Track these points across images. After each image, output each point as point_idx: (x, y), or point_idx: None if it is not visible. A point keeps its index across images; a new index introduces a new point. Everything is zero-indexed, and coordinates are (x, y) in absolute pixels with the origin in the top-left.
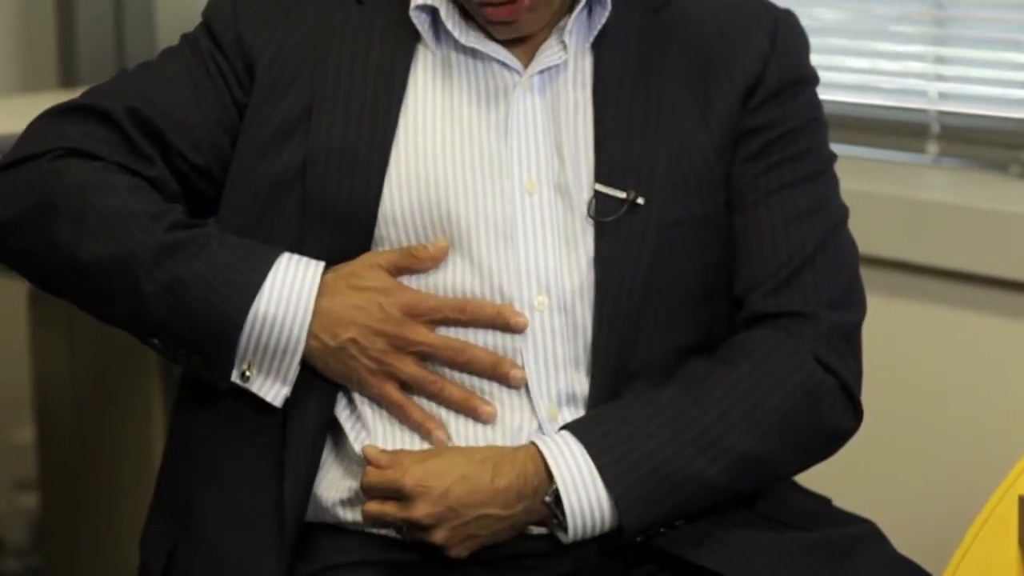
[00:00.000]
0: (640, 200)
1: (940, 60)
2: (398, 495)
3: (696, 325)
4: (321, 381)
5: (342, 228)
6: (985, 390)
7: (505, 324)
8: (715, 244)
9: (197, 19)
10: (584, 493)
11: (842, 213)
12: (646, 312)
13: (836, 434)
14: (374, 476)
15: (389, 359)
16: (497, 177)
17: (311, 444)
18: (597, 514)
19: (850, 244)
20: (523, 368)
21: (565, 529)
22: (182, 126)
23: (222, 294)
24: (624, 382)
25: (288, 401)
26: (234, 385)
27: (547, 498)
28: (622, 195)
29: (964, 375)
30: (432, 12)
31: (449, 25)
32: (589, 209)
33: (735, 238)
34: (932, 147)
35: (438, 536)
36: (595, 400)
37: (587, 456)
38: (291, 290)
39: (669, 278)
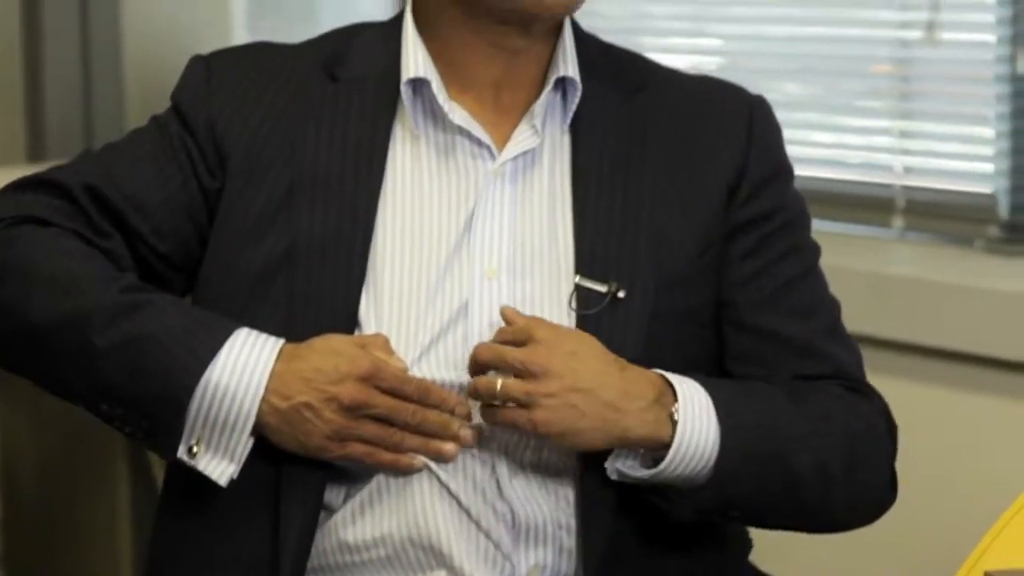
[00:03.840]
0: (621, 293)
1: (905, 135)
2: (525, 341)
3: None
4: (307, 469)
5: (326, 314)
6: (950, 463)
7: (454, 434)
8: (700, 339)
9: (167, 96)
10: (698, 421)
11: (838, 310)
12: None
13: (885, 500)
14: (506, 330)
15: (347, 423)
16: (457, 262)
17: (306, 537)
18: (702, 444)
19: (851, 339)
20: (474, 427)
21: (652, 464)
22: (143, 209)
23: (176, 356)
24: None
25: (279, 493)
26: (213, 482)
27: (673, 410)
28: (603, 288)
29: (929, 449)
30: (415, 85)
31: (440, 99)
32: (570, 301)
33: (743, 336)
34: (898, 221)
35: (545, 388)
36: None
37: (706, 395)
38: (247, 362)
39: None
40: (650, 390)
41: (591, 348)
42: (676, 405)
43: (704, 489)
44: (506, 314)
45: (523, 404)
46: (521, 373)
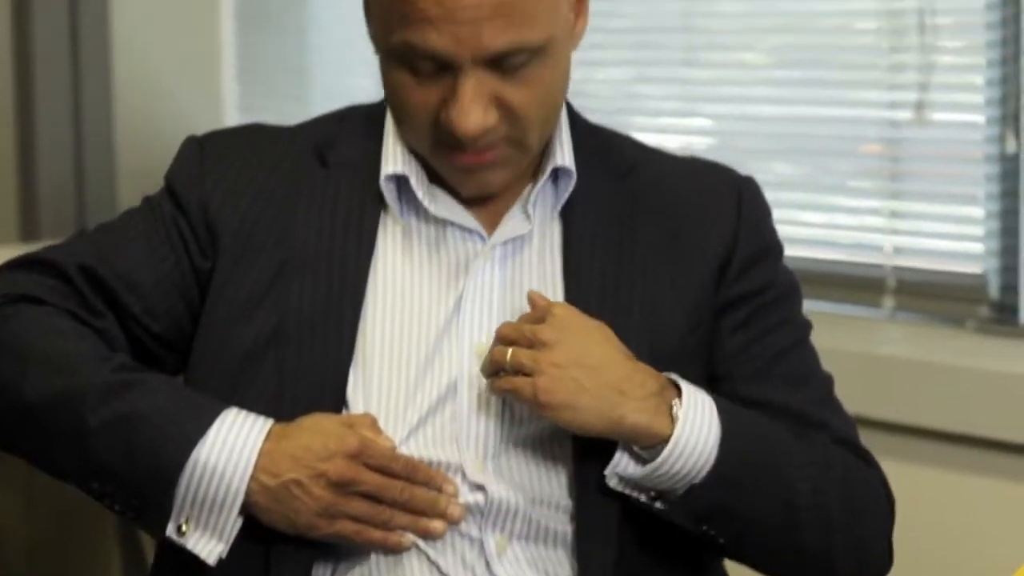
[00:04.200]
0: None
1: (895, 215)
2: (542, 319)
3: None
4: (296, 547)
5: (315, 392)
6: (942, 543)
7: (442, 511)
8: None
9: (159, 177)
10: (699, 420)
11: (831, 382)
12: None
13: (882, 568)
14: (530, 314)
15: (336, 500)
16: (446, 341)
17: None
18: (701, 443)
19: (845, 410)
20: (462, 505)
21: (646, 461)
22: (136, 289)
23: (166, 436)
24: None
25: (268, 571)
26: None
27: (674, 404)
28: None
29: (921, 529)
30: (398, 180)
31: (419, 194)
32: None
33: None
34: (888, 301)
35: (551, 357)
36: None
37: (710, 399)
38: (235, 441)
39: None
40: (654, 383)
41: (604, 334)
42: (678, 401)
43: (701, 488)
44: (532, 297)
45: (528, 373)
46: (533, 344)
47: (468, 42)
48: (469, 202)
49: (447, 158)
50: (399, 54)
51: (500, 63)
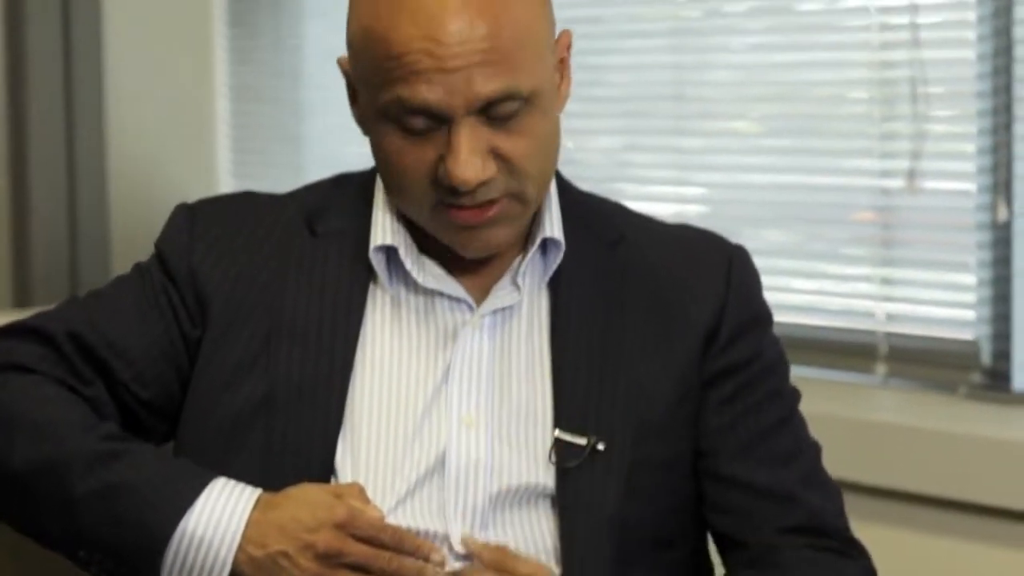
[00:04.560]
0: (600, 446)
1: (887, 282)
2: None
3: (658, 571)
4: None
5: (303, 461)
6: None
7: None
8: (678, 489)
9: (152, 243)
10: None
11: (817, 452)
12: (611, 557)
13: None
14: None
15: (323, 571)
16: (435, 411)
17: None
18: None
19: (832, 481)
20: (450, 574)
21: None
22: (125, 357)
23: (153, 505)
24: None
25: None
26: None
27: None
28: (582, 441)
29: None
30: (387, 251)
31: (408, 264)
32: (550, 456)
33: (720, 486)
34: (881, 368)
35: None
36: None
37: None
38: (223, 511)
39: (632, 523)
40: None
41: None
42: None
43: None
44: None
45: None
46: None
47: (460, 91)
48: (458, 273)
49: (450, 216)
50: (391, 114)
51: (492, 112)
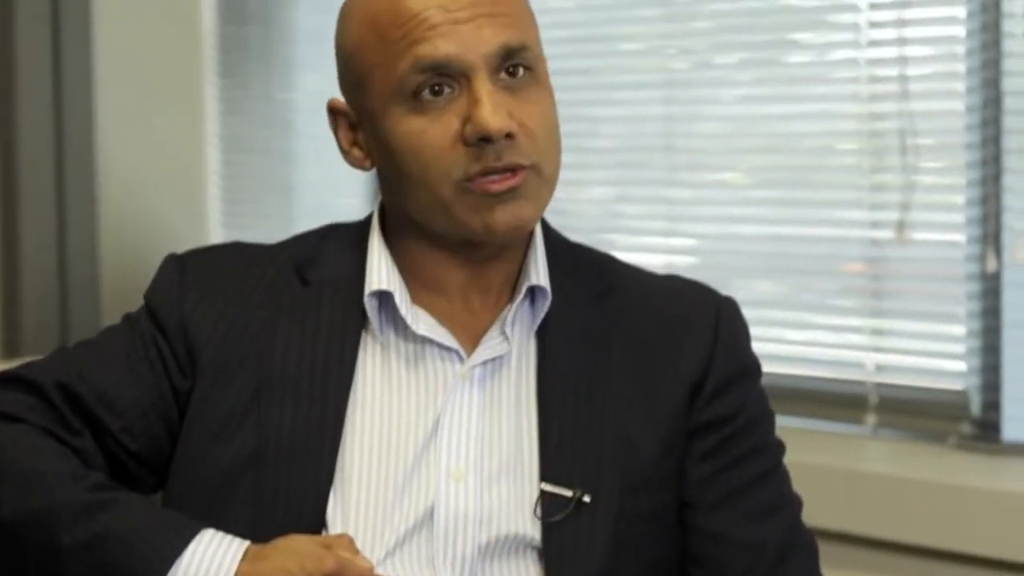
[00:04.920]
0: (586, 498)
1: (877, 332)
2: None
3: None
4: None
5: (294, 514)
6: None
7: None
8: (664, 540)
9: (142, 293)
10: None
11: (798, 507)
12: None
13: None
14: None
15: None
16: (424, 464)
17: None
18: None
19: (810, 537)
20: None
21: None
22: (114, 408)
23: (141, 556)
24: None
25: None
26: None
27: None
28: (568, 493)
29: None
30: (380, 298)
31: (403, 311)
32: (535, 510)
33: (698, 539)
34: (871, 418)
35: None
36: None
37: None
38: (211, 562)
39: (619, 575)
40: None
41: None
42: None
43: None
44: None
45: None
46: None
47: (473, 42)
48: (448, 324)
49: (476, 187)
50: (409, 86)
51: (506, 66)
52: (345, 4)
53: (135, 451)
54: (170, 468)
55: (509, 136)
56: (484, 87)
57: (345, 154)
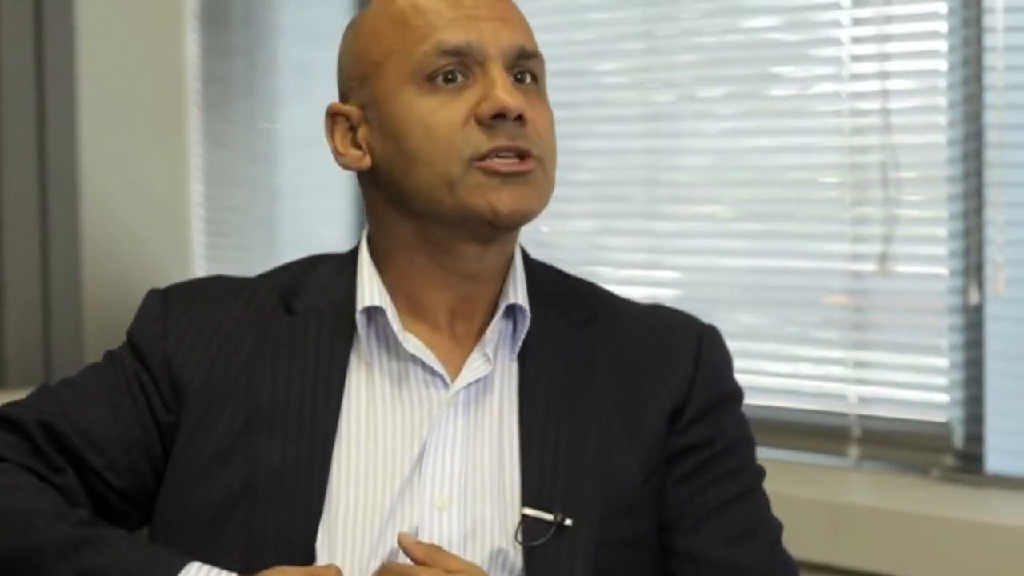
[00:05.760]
0: (568, 522)
1: (860, 365)
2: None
3: None
4: None
5: (284, 547)
6: None
7: None
8: (646, 565)
9: (125, 329)
10: None
11: (777, 530)
12: None
13: None
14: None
15: None
16: (409, 493)
17: None
18: None
19: (790, 560)
20: None
21: None
22: (97, 445)
23: None
24: None
25: None
26: None
27: None
28: (549, 517)
29: None
30: (369, 313)
31: (395, 328)
32: (516, 534)
33: (677, 562)
34: (853, 450)
35: None
36: None
37: None
38: None
39: None
40: None
41: None
42: None
43: None
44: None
45: None
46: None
47: (492, 37)
48: (434, 348)
49: (484, 167)
50: (427, 68)
51: (518, 67)
52: (357, 15)
53: (119, 487)
54: (156, 504)
55: (521, 120)
56: (500, 72)
57: (340, 156)
